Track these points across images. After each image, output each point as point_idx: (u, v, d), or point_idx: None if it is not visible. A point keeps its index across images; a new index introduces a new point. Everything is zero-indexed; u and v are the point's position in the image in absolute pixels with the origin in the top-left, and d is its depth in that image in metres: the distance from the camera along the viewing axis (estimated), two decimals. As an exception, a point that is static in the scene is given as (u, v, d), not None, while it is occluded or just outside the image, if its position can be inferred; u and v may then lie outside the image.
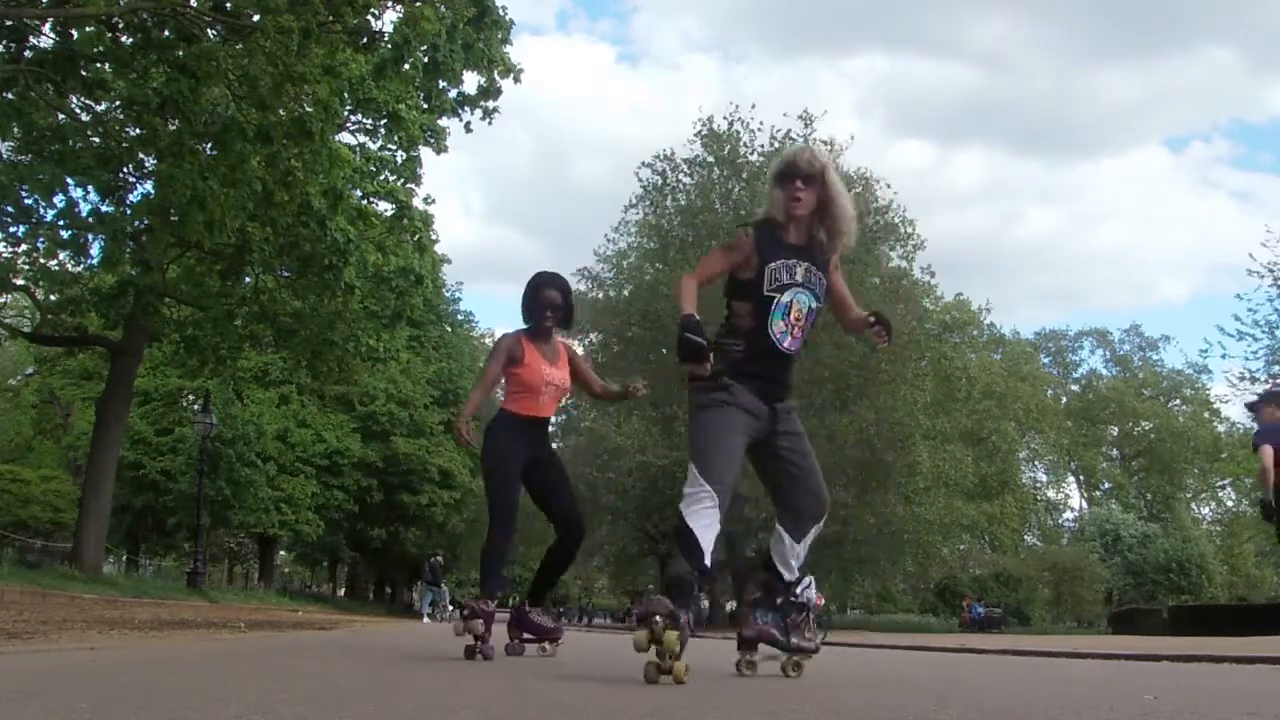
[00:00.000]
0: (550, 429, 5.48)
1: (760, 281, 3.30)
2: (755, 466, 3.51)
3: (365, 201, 17.54)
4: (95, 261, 14.38)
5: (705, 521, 3.15)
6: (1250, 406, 8.92)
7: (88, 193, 13.86)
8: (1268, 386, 8.86)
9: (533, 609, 4.90)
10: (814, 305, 3.38)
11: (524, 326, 4.78)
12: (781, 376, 3.39)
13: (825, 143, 29.80)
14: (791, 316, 3.31)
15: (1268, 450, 7.20)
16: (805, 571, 3.54)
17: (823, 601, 17.30)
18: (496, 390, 5.17)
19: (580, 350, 35.30)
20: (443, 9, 11.74)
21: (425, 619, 22.28)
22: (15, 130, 12.16)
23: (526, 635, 4.83)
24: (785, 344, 3.31)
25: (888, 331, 3.43)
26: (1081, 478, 52.83)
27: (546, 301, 4.65)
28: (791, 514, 3.46)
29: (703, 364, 3.22)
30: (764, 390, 3.32)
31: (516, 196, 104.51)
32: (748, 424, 3.29)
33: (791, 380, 3.47)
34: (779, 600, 3.49)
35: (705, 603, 22.60)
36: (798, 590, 3.63)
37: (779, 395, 3.38)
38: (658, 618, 2.94)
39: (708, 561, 3.15)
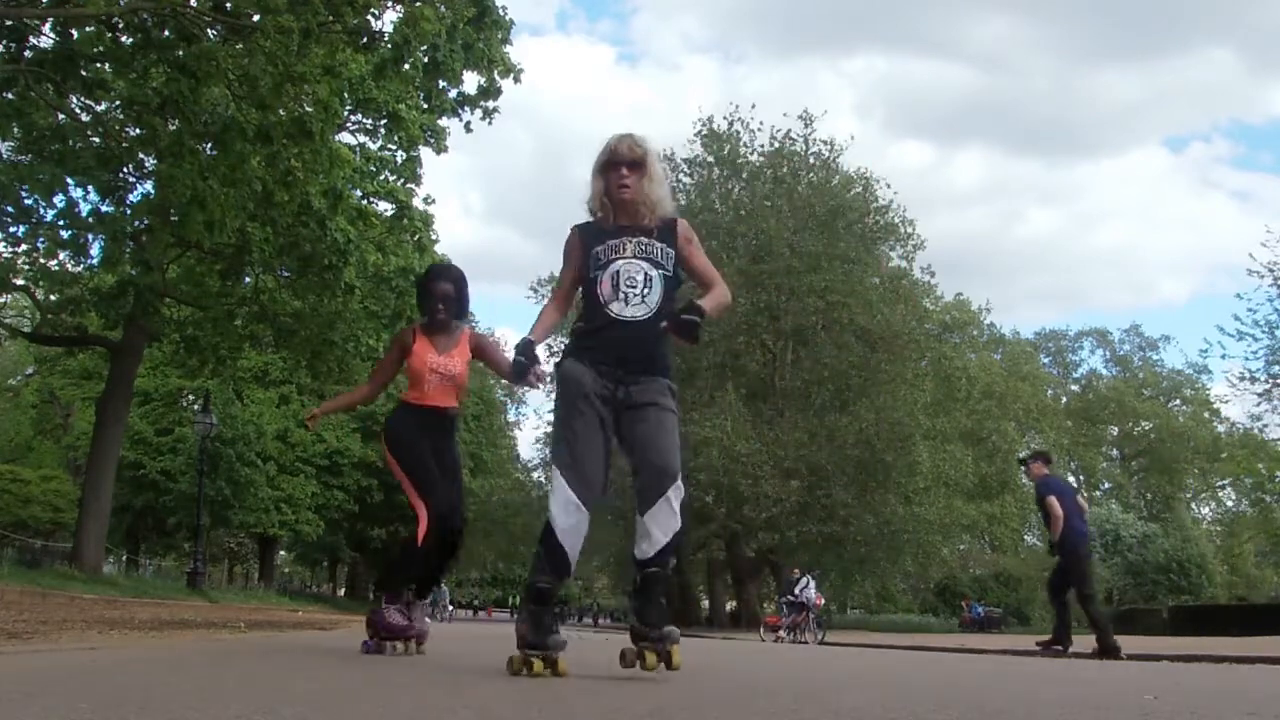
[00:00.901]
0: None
1: (587, 268, 3.38)
2: (619, 444, 3.40)
3: (365, 201, 17.54)
4: (95, 261, 14.37)
5: (574, 535, 3.24)
6: (1021, 462, 10.50)
7: (88, 193, 13.86)
8: (1031, 450, 11.58)
9: (389, 606, 4.67)
10: (652, 272, 3.34)
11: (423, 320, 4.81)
12: (630, 348, 3.30)
13: (825, 142, 29.89)
14: (623, 284, 3.29)
15: (1053, 500, 8.69)
16: (664, 549, 3.25)
17: (822, 601, 17.07)
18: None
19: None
20: (443, 9, 11.74)
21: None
22: (15, 130, 12.15)
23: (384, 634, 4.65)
24: (623, 312, 3.28)
25: (686, 333, 3.25)
26: (1081, 478, 52.78)
27: (439, 294, 4.68)
28: (637, 485, 3.32)
29: (525, 380, 3.45)
30: (610, 362, 3.28)
31: (516, 196, 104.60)
32: (599, 411, 3.26)
33: (650, 352, 3.33)
34: (635, 579, 3.32)
35: (706, 602, 22.52)
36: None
37: (634, 367, 3.30)
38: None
39: (573, 565, 3.29)
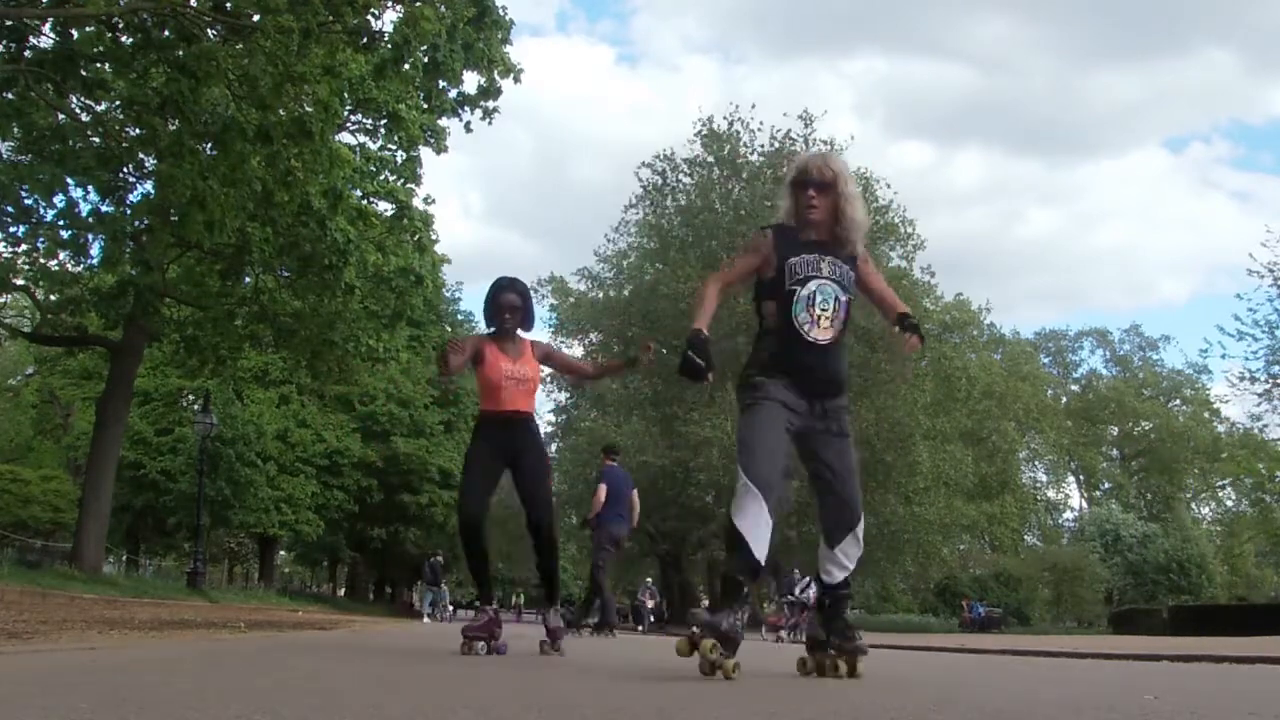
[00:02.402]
0: (548, 429, 5.70)
1: (782, 278, 3.35)
2: (803, 464, 3.56)
3: (365, 201, 17.53)
4: (95, 261, 14.38)
5: (751, 520, 3.19)
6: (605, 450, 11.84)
7: (88, 193, 13.87)
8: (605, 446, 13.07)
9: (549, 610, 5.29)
10: (841, 297, 3.39)
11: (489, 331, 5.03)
12: (819, 370, 3.37)
13: (825, 142, 29.87)
14: (816, 308, 3.32)
15: (603, 488, 10.33)
16: (848, 574, 3.57)
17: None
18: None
19: (580, 351, 35.24)
20: (443, 9, 11.75)
21: (425, 619, 22.28)
22: (15, 130, 12.16)
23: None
24: (813, 334, 3.31)
25: (919, 338, 3.45)
26: (1081, 478, 52.82)
27: (505, 305, 4.89)
28: (825, 520, 3.54)
29: (700, 381, 3.30)
30: (801, 385, 3.34)
31: (516, 197, 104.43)
32: (786, 416, 3.32)
33: (835, 374, 3.43)
34: (825, 603, 3.61)
35: (706, 601, 22.70)
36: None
37: (821, 390, 3.38)
38: (695, 629, 3.16)
39: (760, 559, 3.20)
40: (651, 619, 23.62)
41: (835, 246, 3.43)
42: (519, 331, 5.00)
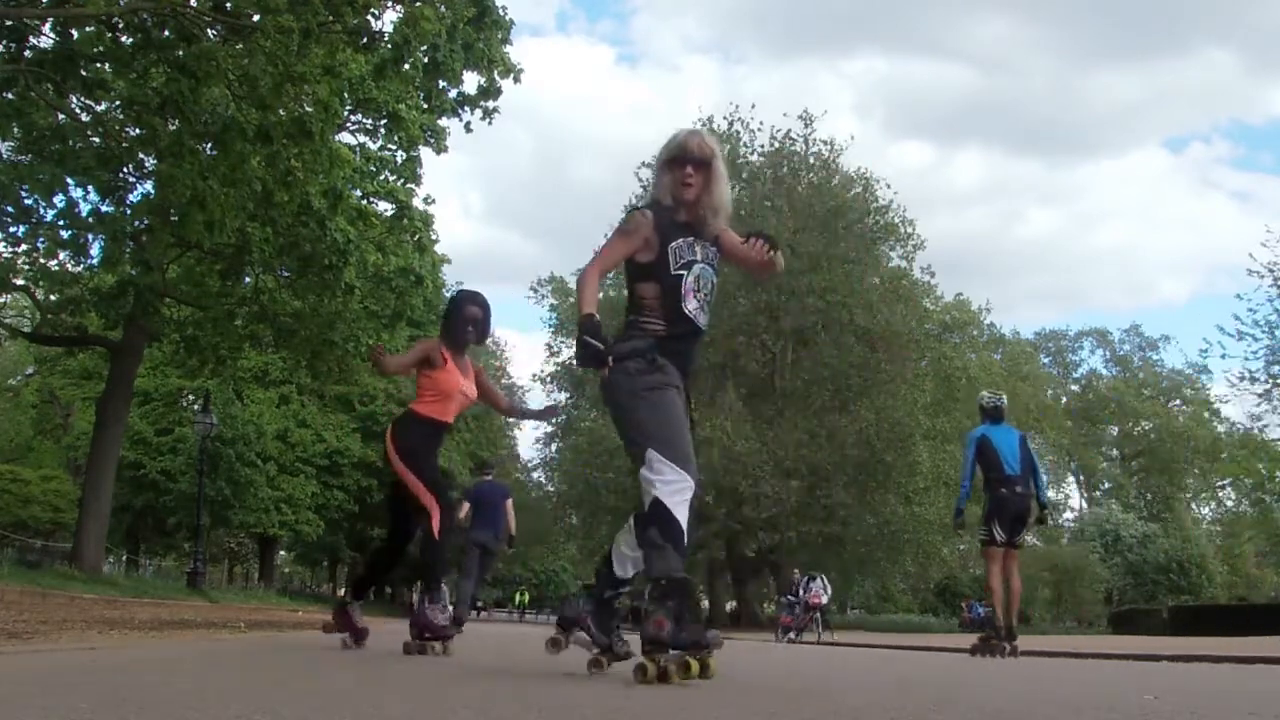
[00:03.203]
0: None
1: (665, 262, 3.31)
2: None
3: (365, 201, 17.52)
4: (95, 261, 14.36)
5: (685, 510, 3.11)
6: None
7: (88, 193, 13.84)
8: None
9: (432, 606, 4.99)
10: (714, 279, 3.41)
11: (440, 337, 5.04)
12: (694, 351, 3.43)
13: (825, 143, 29.90)
14: (702, 293, 3.33)
15: (466, 505, 9.65)
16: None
17: (821, 599, 17.16)
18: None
19: (572, 345, 35.20)
20: (443, 9, 11.74)
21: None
22: (15, 130, 12.14)
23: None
24: (700, 320, 3.33)
25: (770, 244, 3.33)
26: (1081, 478, 52.83)
27: (469, 317, 4.90)
28: None
29: (603, 367, 3.20)
30: (681, 366, 3.35)
31: (516, 197, 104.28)
32: (680, 396, 3.33)
33: (697, 355, 3.49)
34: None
35: (706, 602, 22.48)
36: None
37: (688, 370, 3.40)
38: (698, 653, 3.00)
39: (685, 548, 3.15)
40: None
41: (699, 226, 3.40)
42: (477, 347, 5.13)
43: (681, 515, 3.08)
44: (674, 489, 3.09)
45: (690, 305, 3.30)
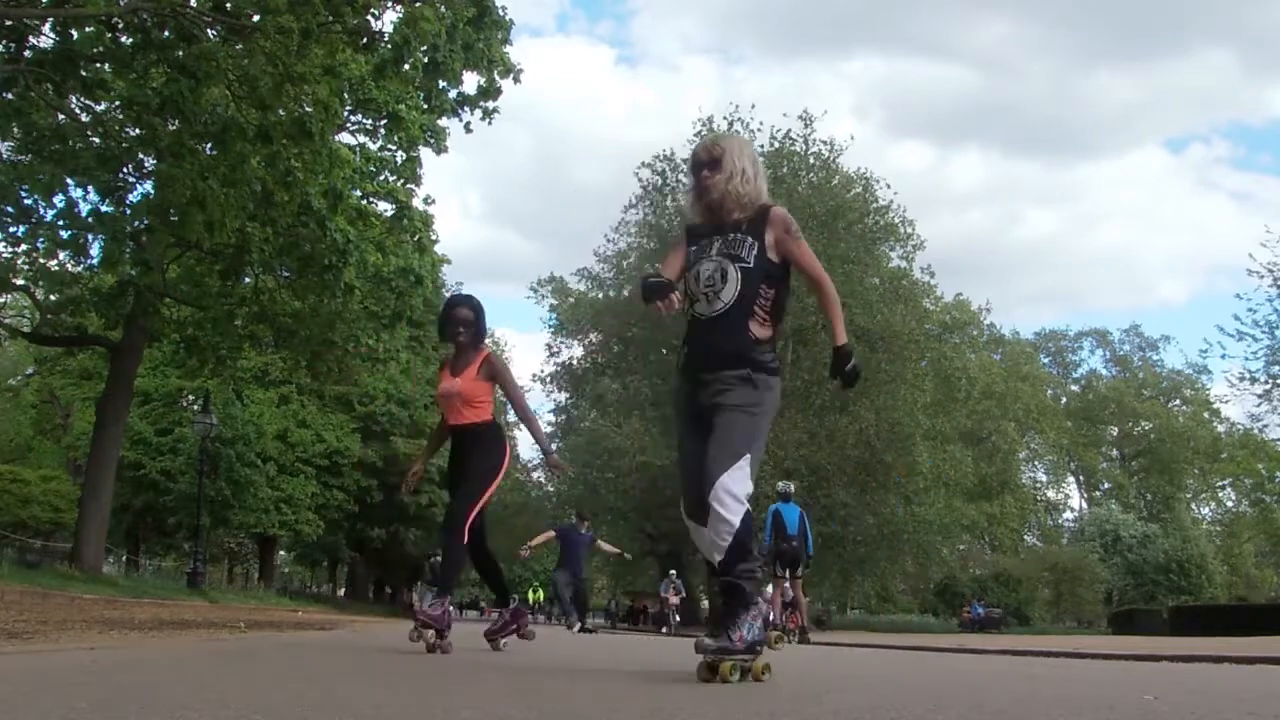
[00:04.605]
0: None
1: (686, 270, 3.48)
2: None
3: (365, 201, 17.53)
4: (95, 261, 14.36)
5: (697, 535, 3.33)
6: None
7: (88, 193, 13.86)
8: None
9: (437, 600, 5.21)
10: (729, 266, 3.36)
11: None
12: (708, 342, 3.36)
13: (825, 143, 29.89)
14: (702, 284, 3.37)
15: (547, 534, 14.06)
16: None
17: (674, 601, 18.62)
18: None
19: (580, 351, 35.03)
20: (443, 9, 11.74)
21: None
22: (15, 130, 12.16)
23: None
24: (704, 311, 3.37)
25: (849, 382, 3.43)
26: (1081, 478, 52.82)
27: (458, 319, 5.17)
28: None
29: (668, 299, 3.24)
30: (692, 363, 3.40)
31: (516, 197, 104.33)
32: (685, 411, 3.41)
33: (717, 346, 3.34)
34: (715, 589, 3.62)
35: (675, 599, 22.21)
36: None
37: (705, 364, 3.36)
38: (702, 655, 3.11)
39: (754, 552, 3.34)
40: (677, 619, 22.03)
41: (729, 221, 3.45)
42: (476, 347, 5.25)
43: (699, 541, 3.32)
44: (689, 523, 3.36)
45: (694, 300, 3.40)
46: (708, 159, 3.47)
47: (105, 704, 2.15)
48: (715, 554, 3.16)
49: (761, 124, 30.69)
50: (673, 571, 23.38)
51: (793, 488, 12.85)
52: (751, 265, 3.35)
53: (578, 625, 14.00)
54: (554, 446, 39.38)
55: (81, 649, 4.49)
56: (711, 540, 3.16)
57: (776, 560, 11.83)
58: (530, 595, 50.03)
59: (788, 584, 11.94)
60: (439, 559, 25.11)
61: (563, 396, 35.24)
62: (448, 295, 5.50)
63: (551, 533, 14.39)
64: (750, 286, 3.32)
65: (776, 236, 3.42)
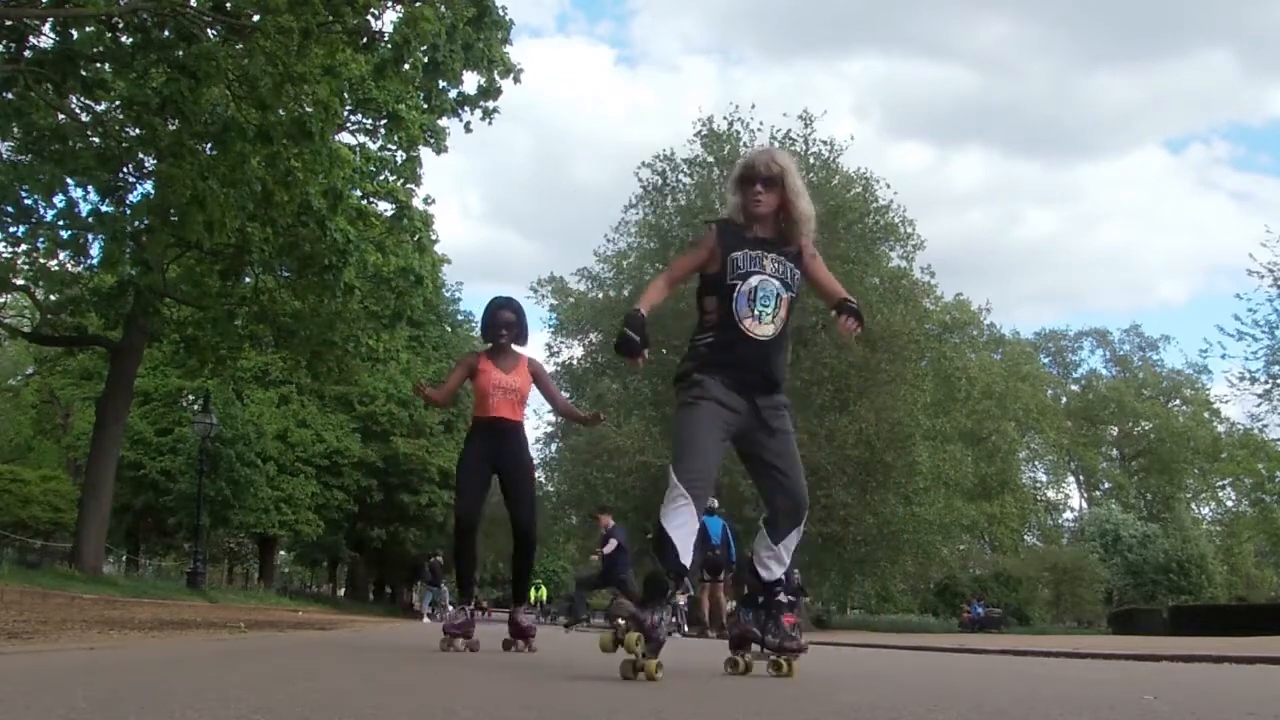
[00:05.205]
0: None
1: (724, 272, 3.35)
2: (743, 463, 3.58)
3: (365, 201, 17.52)
4: (95, 261, 14.37)
5: (679, 522, 3.19)
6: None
7: (88, 193, 13.86)
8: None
9: (518, 609, 5.68)
10: (784, 294, 3.38)
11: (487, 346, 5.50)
12: (759, 365, 3.35)
13: (825, 143, 29.88)
14: (758, 303, 3.32)
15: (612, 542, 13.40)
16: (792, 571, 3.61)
17: (681, 600, 18.73)
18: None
19: (580, 351, 35.07)
20: (443, 9, 11.74)
21: (425, 619, 22.27)
22: (15, 130, 12.16)
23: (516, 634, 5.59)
24: (755, 330, 3.31)
25: (858, 320, 3.47)
26: (1081, 478, 52.80)
27: (501, 322, 5.35)
28: (771, 515, 3.53)
29: (634, 359, 3.29)
30: (740, 380, 3.32)
31: (516, 197, 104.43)
32: (725, 418, 3.31)
33: (775, 371, 3.42)
34: (759, 599, 3.54)
35: (683, 600, 22.14)
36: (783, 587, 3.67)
37: (761, 386, 3.36)
38: (620, 620, 3.08)
39: (685, 561, 3.21)
40: (685, 622, 20.84)
41: (781, 244, 3.42)
42: (515, 347, 5.44)
43: (669, 525, 3.19)
44: (672, 509, 3.21)
45: (742, 313, 3.30)
46: (765, 175, 3.39)
47: (105, 704, 2.15)
48: (776, 568, 3.52)
49: (761, 124, 30.68)
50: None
51: (716, 503, 13.73)
52: (795, 296, 3.43)
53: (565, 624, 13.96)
54: (553, 447, 39.39)
55: (81, 649, 4.49)
56: (778, 555, 3.49)
57: (704, 567, 13.24)
58: (533, 594, 50.00)
59: (704, 589, 13.47)
60: (438, 559, 24.95)
61: (563, 397, 35.22)
62: (492, 298, 5.59)
63: (613, 541, 13.41)
64: (791, 316, 3.40)
65: (807, 264, 3.49)
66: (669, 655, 3.38)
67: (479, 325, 5.65)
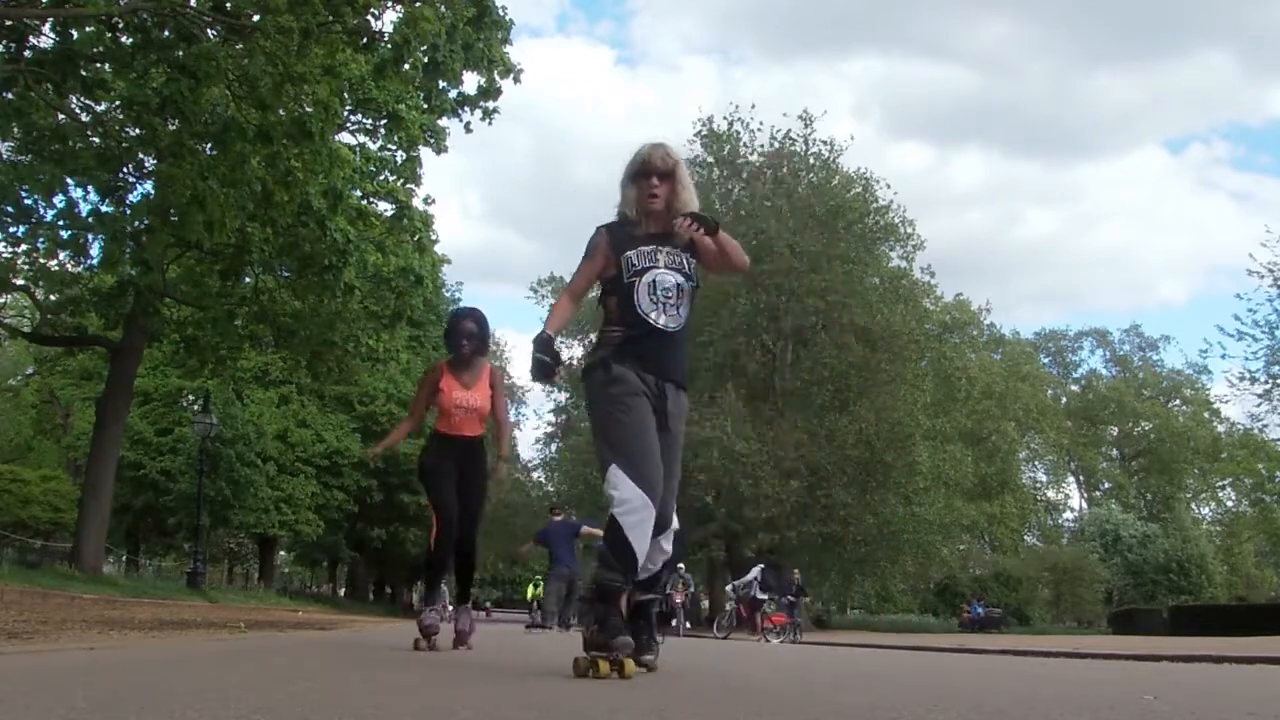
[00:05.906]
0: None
1: (620, 273, 3.40)
2: None
3: (365, 201, 17.51)
4: (95, 261, 14.36)
5: (642, 533, 3.18)
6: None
7: (88, 193, 13.84)
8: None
9: (429, 608, 5.63)
10: (685, 285, 3.42)
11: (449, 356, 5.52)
12: (666, 355, 3.39)
13: (825, 143, 29.91)
14: (659, 294, 3.35)
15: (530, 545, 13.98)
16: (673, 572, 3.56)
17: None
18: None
19: (580, 351, 35.15)
20: (443, 9, 11.73)
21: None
22: (15, 130, 12.15)
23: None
24: (660, 321, 3.35)
25: (701, 225, 3.37)
26: (1081, 478, 52.80)
27: (464, 332, 5.34)
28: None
29: (549, 379, 3.39)
30: (648, 368, 3.35)
31: (516, 197, 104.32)
32: (647, 406, 3.34)
33: (680, 360, 3.47)
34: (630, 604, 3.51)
35: (706, 602, 22.12)
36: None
37: (666, 373, 3.39)
38: (617, 653, 3.10)
39: (639, 574, 3.28)
40: (686, 620, 20.19)
41: (673, 237, 3.45)
42: (479, 356, 5.46)
43: (637, 541, 3.16)
44: (633, 515, 3.17)
45: (645, 308, 3.34)
46: (661, 169, 3.44)
47: (105, 704, 2.15)
48: (651, 566, 3.40)
49: (761, 124, 30.71)
50: (680, 566, 22.33)
51: (573, 516, 14.28)
52: (696, 286, 3.48)
53: (555, 624, 13.42)
54: (553, 447, 39.23)
55: (81, 649, 4.49)
56: (654, 553, 3.37)
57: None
58: (530, 591, 49.98)
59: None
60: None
61: (563, 397, 35.23)
62: (453, 306, 5.55)
63: (531, 544, 14.27)
64: (693, 306, 3.45)
65: (700, 249, 3.49)
66: (669, 655, 3.38)
67: (443, 337, 5.68)
